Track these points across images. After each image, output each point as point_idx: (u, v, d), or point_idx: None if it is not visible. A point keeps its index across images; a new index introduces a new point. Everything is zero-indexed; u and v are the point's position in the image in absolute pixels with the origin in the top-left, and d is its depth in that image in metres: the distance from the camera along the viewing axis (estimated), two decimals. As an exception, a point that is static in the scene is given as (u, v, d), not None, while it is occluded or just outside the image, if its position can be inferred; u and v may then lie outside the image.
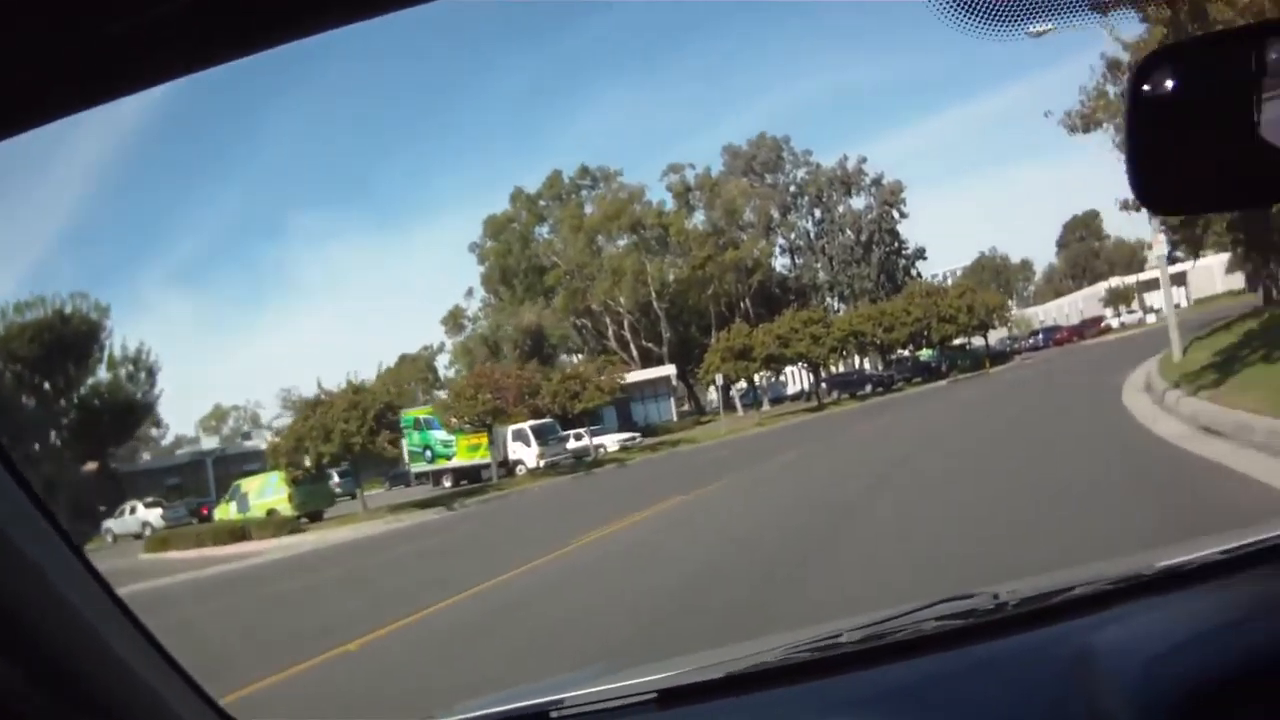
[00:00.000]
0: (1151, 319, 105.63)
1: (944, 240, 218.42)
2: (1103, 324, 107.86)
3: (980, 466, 20.50)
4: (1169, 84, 1.69)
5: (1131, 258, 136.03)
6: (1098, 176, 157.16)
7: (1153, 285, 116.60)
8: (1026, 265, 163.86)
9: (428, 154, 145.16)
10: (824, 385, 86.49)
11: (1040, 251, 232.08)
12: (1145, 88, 1.69)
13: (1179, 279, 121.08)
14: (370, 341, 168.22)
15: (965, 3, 1.57)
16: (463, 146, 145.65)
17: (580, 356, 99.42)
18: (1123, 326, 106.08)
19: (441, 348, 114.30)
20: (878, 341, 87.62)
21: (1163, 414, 21.64)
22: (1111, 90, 36.30)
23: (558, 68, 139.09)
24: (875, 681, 2.45)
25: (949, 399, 52.71)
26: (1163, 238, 32.40)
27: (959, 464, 22.05)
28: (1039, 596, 2.64)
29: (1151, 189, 1.71)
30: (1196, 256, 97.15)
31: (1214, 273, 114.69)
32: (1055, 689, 2.21)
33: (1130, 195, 1.79)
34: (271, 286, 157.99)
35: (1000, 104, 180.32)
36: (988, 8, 1.58)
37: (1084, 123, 38.96)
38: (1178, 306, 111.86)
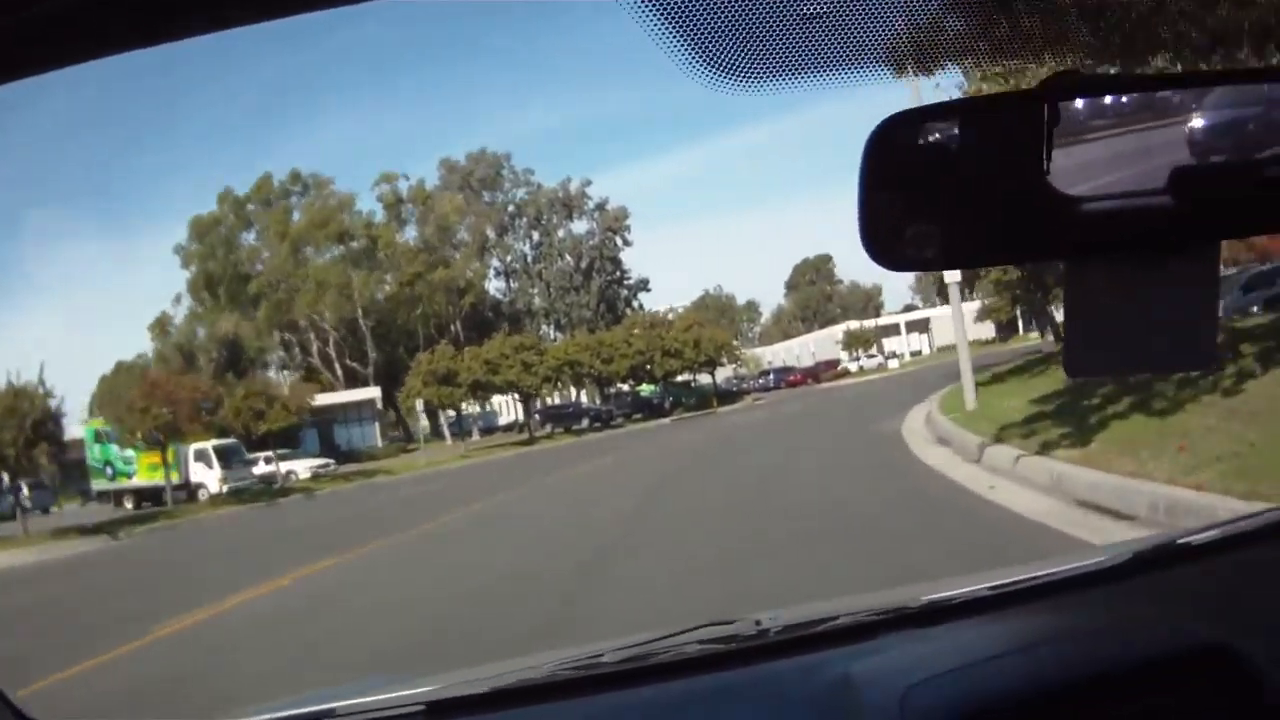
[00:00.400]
0: (894, 364, 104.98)
1: (669, 275, 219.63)
2: (839, 367, 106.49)
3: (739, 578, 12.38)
4: (906, 145, 1.71)
5: (867, 303, 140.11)
6: (830, 221, 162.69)
7: (892, 330, 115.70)
8: (753, 306, 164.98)
9: (162, 155, 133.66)
10: (537, 417, 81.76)
11: (767, 294, 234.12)
12: (881, 149, 1.69)
13: (922, 325, 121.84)
14: (95, 347, 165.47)
15: (715, 62, 1.59)
16: (192, 148, 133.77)
17: (286, 373, 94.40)
18: (861, 370, 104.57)
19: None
20: (595, 373, 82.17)
21: (1000, 479, 16.46)
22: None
23: (290, 75, 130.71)
24: (637, 701, 2.47)
25: (674, 441, 47.33)
26: (957, 274, 29.95)
27: (708, 553, 14.32)
28: (802, 624, 2.66)
29: (882, 247, 1.70)
30: (960, 298, 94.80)
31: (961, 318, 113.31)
32: (813, 715, 2.27)
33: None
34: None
35: (731, 146, 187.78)
36: (739, 67, 1.61)
37: None
38: (917, 354, 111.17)
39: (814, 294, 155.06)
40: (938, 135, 1.72)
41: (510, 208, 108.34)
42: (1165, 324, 1.70)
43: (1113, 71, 2.22)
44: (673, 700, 2.42)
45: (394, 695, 2.70)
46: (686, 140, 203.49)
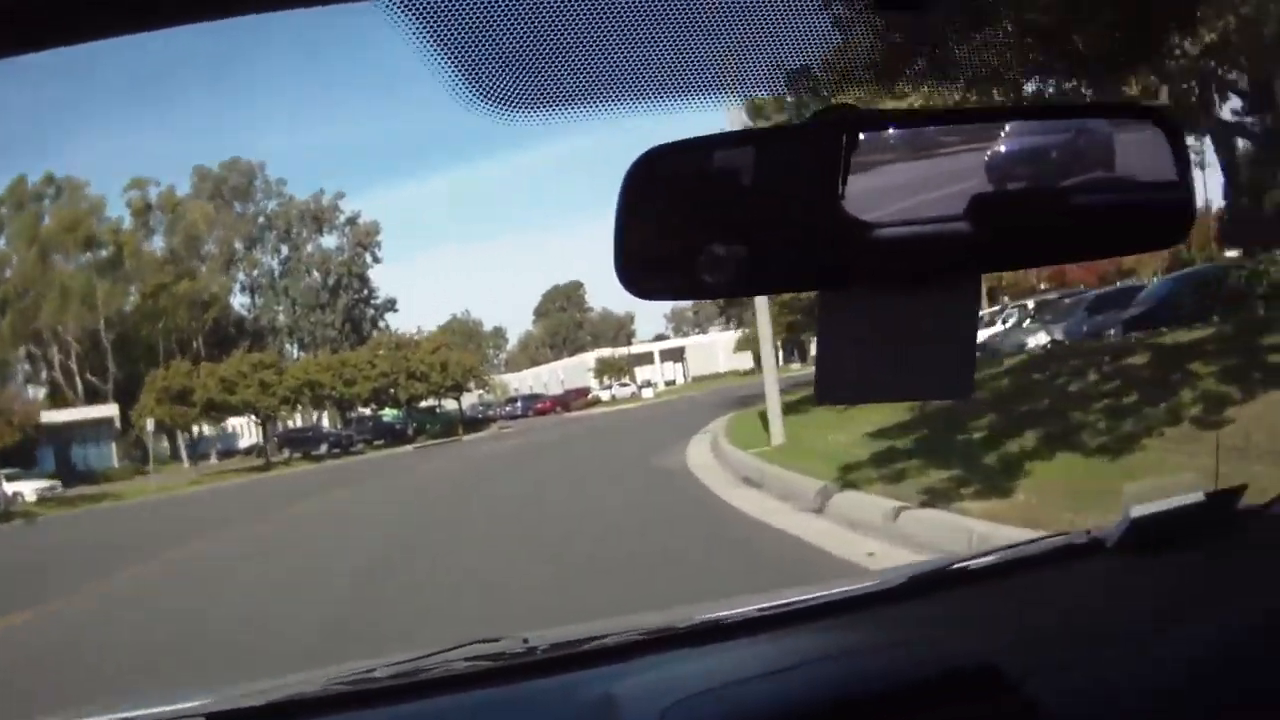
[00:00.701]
0: (649, 393, 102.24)
1: (418, 298, 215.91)
2: (590, 395, 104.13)
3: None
4: (669, 175, 1.71)
5: (619, 330, 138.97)
6: (579, 248, 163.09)
7: (645, 359, 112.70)
8: (499, 332, 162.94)
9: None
10: (275, 441, 76.79)
11: (515, 320, 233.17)
12: (641, 179, 1.68)
13: (677, 354, 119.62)
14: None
15: (484, 89, 1.59)
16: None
17: (31, 387, 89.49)
18: (613, 399, 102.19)
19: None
20: (337, 396, 78.24)
21: (874, 541, 12.07)
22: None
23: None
24: (407, 715, 2.50)
25: (420, 472, 42.13)
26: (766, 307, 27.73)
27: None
28: (568, 643, 2.69)
29: (634, 276, 1.70)
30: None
31: (716, 350, 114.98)
32: None
33: None
34: None
35: (488, 172, 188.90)
36: (507, 96, 1.62)
37: None
38: (671, 384, 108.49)
39: (564, 320, 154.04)
40: (702, 166, 1.70)
41: (261, 219, 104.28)
42: (922, 353, 1.71)
43: (904, 105, 2.01)
44: (441, 715, 2.47)
45: (171, 708, 2.68)
46: (445, 164, 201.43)
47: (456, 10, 1.44)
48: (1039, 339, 38.32)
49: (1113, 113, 1.88)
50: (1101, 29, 10.36)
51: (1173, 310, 29.38)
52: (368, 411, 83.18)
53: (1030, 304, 47.24)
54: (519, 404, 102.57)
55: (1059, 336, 36.58)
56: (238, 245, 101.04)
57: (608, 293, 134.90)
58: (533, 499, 23.84)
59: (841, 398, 1.91)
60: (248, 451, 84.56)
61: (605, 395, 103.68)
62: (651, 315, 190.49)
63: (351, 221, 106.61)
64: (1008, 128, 1.72)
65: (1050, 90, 14.21)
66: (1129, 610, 2.49)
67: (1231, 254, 40.82)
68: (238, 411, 71.55)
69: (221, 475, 65.50)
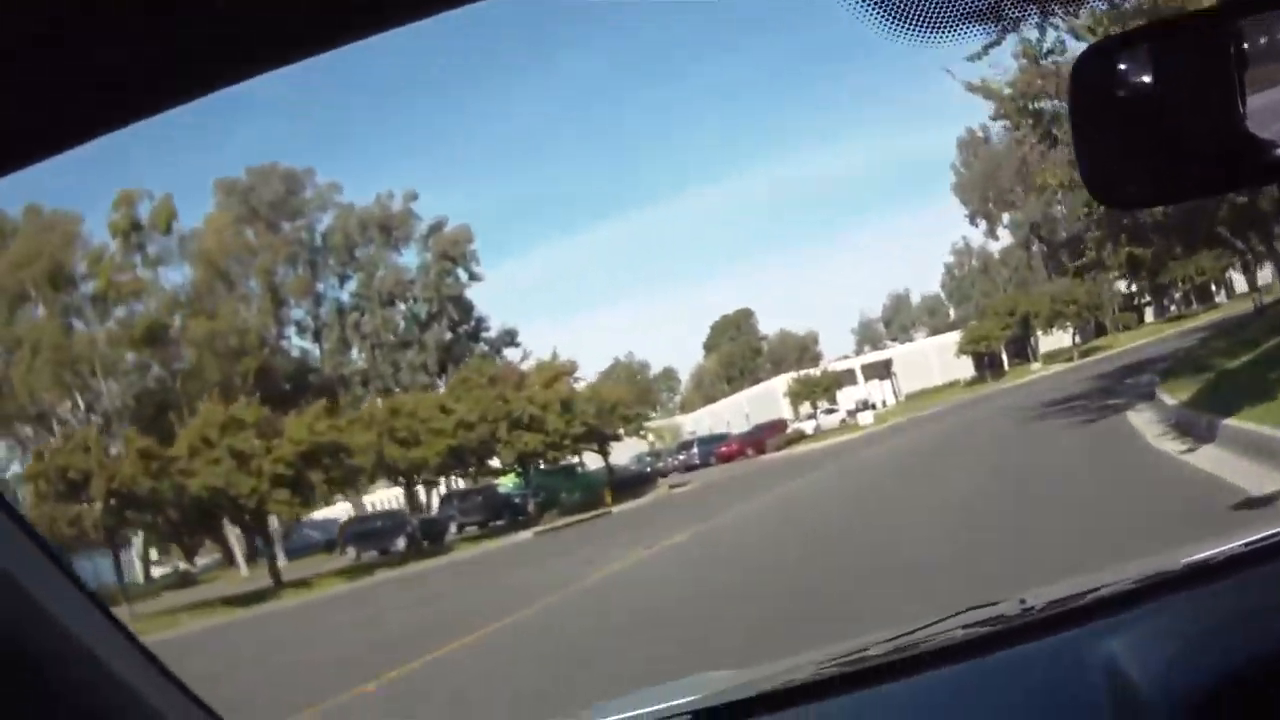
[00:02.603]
0: (867, 417, 77.06)
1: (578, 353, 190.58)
2: (789, 429, 79.36)
3: None
4: (1113, 75, 1.70)
5: (801, 353, 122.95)
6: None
7: (845, 379, 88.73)
8: (670, 373, 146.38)
9: None
10: (342, 535, 53.08)
11: (683, 359, 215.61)
12: (1089, 81, 1.72)
13: (881, 369, 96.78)
14: None
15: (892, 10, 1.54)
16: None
17: None
18: (819, 432, 76.88)
19: None
20: (393, 463, 52.21)
21: None
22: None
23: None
24: (908, 691, 2.46)
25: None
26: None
27: None
28: (1065, 599, 2.60)
29: (1105, 184, 1.75)
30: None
31: (929, 359, 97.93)
32: (1085, 691, 2.24)
33: None
34: None
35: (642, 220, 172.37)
36: (916, 15, 1.56)
37: None
38: (871, 407, 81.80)
39: (739, 348, 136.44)
40: (1133, 64, 1.67)
41: (303, 234, 79.45)
42: None
43: None
44: (944, 688, 2.42)
45: (659, 707, 2.73)
46: (596, 217, 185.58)
47: None
48: None
49: None
50: None
51: None
52: (467, 484, 59.73)
53: None
54: (695, 450, 78.49)
55: None
56: (282, 270, 77.42)
57: (779, 317, 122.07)
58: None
59: None
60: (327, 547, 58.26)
61: (808, 427, 79.23)
62: (836, 334, 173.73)
63: (436, 230, 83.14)
64: None
65: None
66: None
67: None
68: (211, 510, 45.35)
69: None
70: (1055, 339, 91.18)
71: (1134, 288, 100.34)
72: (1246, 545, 2.48)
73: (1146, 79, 1.61)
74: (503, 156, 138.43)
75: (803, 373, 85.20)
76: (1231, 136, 1.53)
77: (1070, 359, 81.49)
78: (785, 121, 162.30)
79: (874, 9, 1.48)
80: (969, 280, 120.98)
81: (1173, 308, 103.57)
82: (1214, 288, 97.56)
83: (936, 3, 1.52)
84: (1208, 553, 2.55)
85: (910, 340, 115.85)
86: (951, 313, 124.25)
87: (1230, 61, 1.53)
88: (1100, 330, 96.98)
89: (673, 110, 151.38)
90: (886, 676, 2.45)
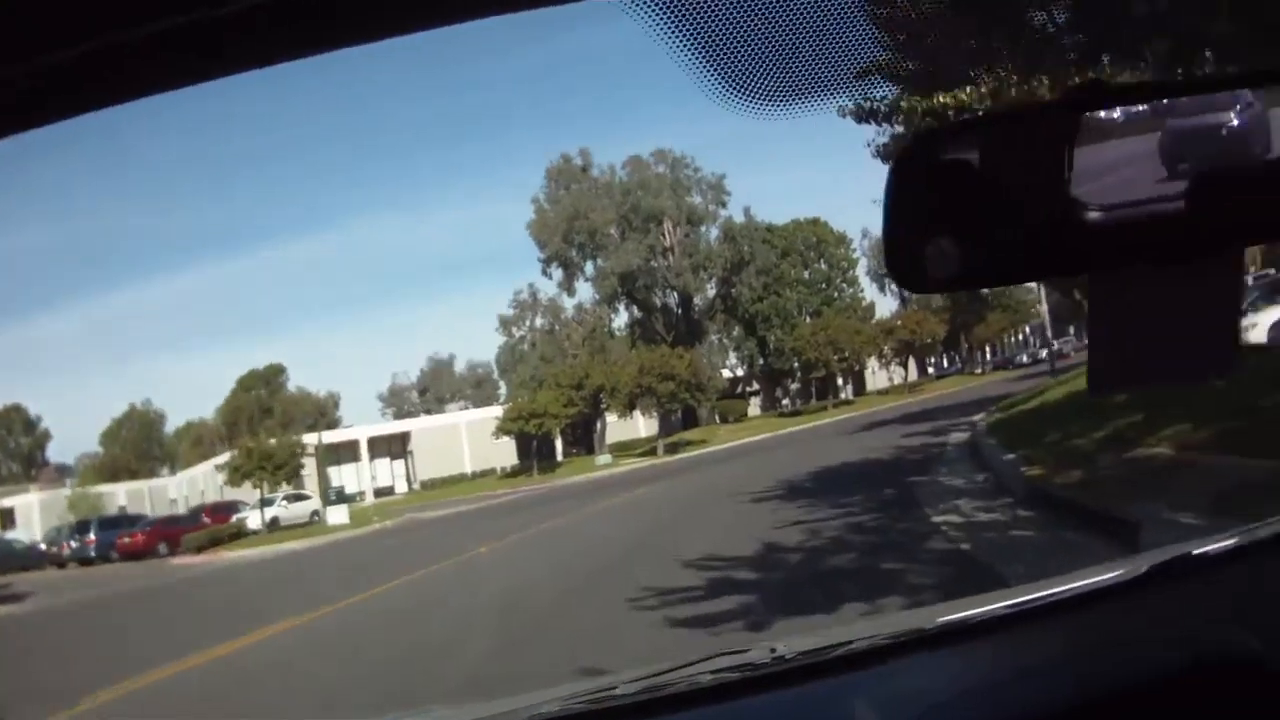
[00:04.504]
0: (339, 515, 52.32)
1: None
2: (234, 517, 55.67)
3: None
4: (933, 164, 1.76)
5: (319, 416, 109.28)
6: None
7: (345, 452, 64.96)
8: (193, 427, 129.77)
9: None
10: None
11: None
12: (908, 168, 1.76)
13: (396, 445, 75.31)
14: None
15: (738, 85, 1.70)
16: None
17: None
18: (273, 526, 53.32)
19: None
20: None
21: None
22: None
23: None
24: None
25: None
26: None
27: None
28: (816, 650, 2.63)
29: (910, 269, 1.76)
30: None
31: (458, 437, 79.56)
32: None
33: None
34: None
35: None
36: (759, 90, 1.71)
37: None
38: (348, 499, 57.95)
39: (247, 403, 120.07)
40: (960, 152, 1.74)
41: None
42: (1188, 332, 1.75)
43: (1133, 79, 2.09)
44: None
45: None
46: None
47: (709, 7, 1.55)
48: None
49: None
50: None
51: None
52: None
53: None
54: (93, 534, 54.13)
55: None
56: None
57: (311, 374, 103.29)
58: None
59: (1117, 386, 1.96)
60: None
61: (255, 520, 53.75)
62: (361, 398, 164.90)
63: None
64: (1250, 94, 1.69)
65: None
66: None
67: None
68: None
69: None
70: (629, 426, 74.14)
71: (742, 370, 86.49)
72: (1007, 608, 2.59)
73: (968, 168, 1.65)
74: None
75: (255, 441, 58.93)
76: (1048, 227, 1.61)
77: (654, 452, 63.60)
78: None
79: (717, 82, 1.58)
80: (531, 340, 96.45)
81: (785, 401, 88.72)
82: (840, 381, 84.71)
83: (777, 78, 1.62)
84: (962, 614, 2.62)
85: (440, 411, 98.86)
86: (503, 385, 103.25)
87: (1055, 154, 1.59)
88: (691, 420, 78.03)
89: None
90: (633, 716, 2.44)
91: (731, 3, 1.57)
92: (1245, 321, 32.86)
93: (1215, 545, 2.72)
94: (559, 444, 71.75)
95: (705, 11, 1.56)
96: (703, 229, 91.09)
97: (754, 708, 2.41)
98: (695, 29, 1.55)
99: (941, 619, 2.66)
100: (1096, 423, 18.13)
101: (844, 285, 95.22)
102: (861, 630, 2.71)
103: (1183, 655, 2.09)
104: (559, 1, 1.45)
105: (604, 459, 65.02)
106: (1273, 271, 43.62)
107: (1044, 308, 64.78)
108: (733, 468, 38.07)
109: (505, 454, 71.10)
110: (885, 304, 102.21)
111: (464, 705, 2.99)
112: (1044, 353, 63.65)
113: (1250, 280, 37.92)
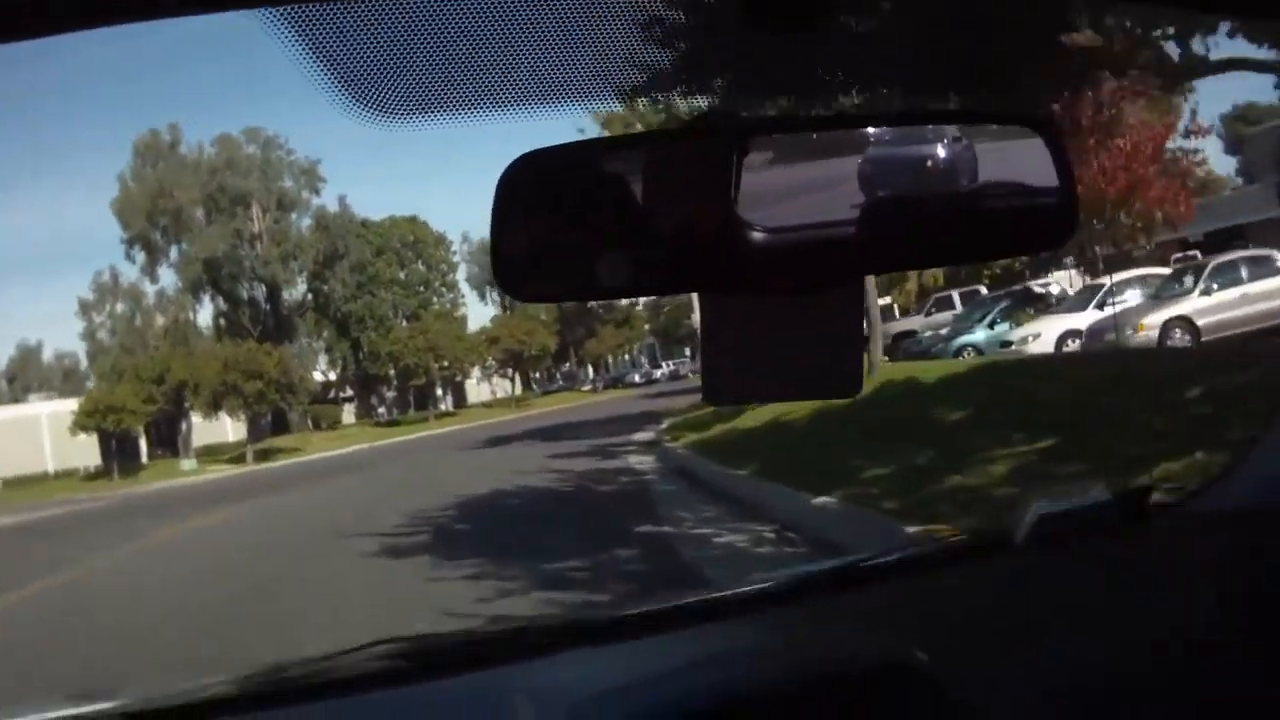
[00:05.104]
0: None
1: None
2: None
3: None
4: (539, 181, 1.77)
5: None
6: None
7: None
8: None
9: None
10: None
11: None
12: (518, 184, 1.74)
13: None
14: None
15: (361, 96, 1.68)
16: None
17: None
18: None
19: None
20: None
21: None
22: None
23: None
24: (318, 715, 2.41)
25: None
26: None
27: None
28: (482, 638, 2.80)
29: (518, 279, 1.78)
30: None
31: (42, 432, 69.44)
32: None
33: None
34: None
35: None
36: (383, 102, 1.70)
37: None
38: None
39: None
40: (582, 169, 1.77)
41: None
42: (811, 353, 1.78)
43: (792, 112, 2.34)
44: (351, 717, 2.42)
45: (85, 709, 2.61)
46: None
47: (332, 17, 1.55)
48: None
49: (997, 119, 1.89)
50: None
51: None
52: None
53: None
54: None
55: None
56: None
57: None
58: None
59: (729, 399, 2.09)
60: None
61: None
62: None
63: None
64: (893, 133, 1.79)
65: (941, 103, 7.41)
66: (1034, 607, 2.55)
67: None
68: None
69: None
70: (218, 428, 68.38)
71: (335, 374, 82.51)
72: (670, 607, 2.71)
73: (575, 188, 1.70)
74: None
75: None
76: (671, 246, 1.65)
77: (243, 459, 59.09)
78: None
79: (343, 93, 1.59)
80: (111, 328, 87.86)
81: (382, 409, 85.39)
82: (440, 392, 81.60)
83: (401, 93, 1.64)
84: (624, 611, 2.79)
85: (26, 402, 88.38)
86: (92, 376, 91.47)
87: (704, 175, 1.61)
88: (282, 424, 73.75)
89: None
90: (303, 698, 2.41)
91: (367, 23, 1.54)
92: (1028, 331, 34.06)
93: (883, 558, 2.85)
94: (143, 444, 65.72)
95: (340, 30, 1.53)
96: (294, 216, 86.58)
97: (414, 696, 2.37)
98: (329, 48, 1.52)
99: (606, 614, 2.83)
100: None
101: (443, 289, 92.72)
102: (528, 620, 2.93)
103: (823, 664, 2.08)
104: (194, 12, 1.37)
105: (189, 464, 59.91)
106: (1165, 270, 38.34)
107: (695, 317, 66.34)
108: (342, 488, 30.12)
109: (90, 453, 63.73)
110: (486, 312, 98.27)
111: (133, 691, 2.93)
112: (657, 373, 63.10)
113: (1136, 274, 36.76)
